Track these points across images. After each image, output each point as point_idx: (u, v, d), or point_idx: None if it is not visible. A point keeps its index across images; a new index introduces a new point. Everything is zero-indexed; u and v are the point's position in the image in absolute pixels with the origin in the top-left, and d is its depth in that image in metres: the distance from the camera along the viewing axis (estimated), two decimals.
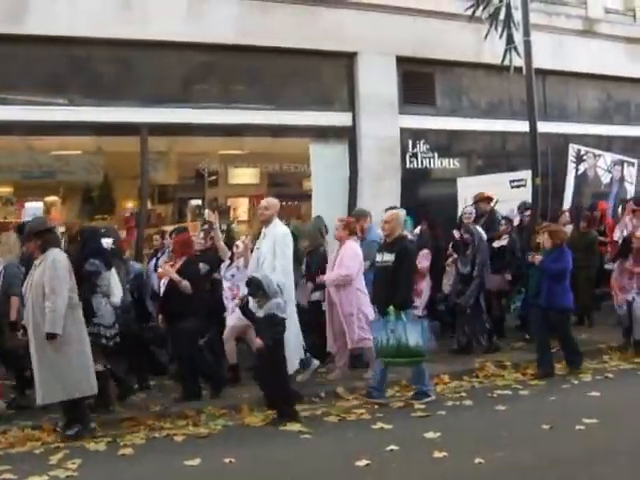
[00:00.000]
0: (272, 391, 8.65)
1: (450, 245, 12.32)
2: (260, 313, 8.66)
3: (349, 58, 13.89)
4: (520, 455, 6.90)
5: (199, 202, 15.74)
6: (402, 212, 10.70)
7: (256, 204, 15.97)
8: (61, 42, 11.71)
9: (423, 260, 11.88)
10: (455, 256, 12.10)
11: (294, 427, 8.22)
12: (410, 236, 11.18)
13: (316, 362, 10.29)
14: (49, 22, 11.37)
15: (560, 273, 10.60)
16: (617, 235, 13.48)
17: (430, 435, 7.59)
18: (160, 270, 10.19)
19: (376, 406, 9.06)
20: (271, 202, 10.34)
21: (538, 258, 10.81)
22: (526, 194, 13.20)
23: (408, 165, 14.42)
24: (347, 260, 10.13)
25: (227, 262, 10.55)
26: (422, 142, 14.62)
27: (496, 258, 12.20)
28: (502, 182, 13.95)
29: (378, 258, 9.68)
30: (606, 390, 9.54)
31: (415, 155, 14.54)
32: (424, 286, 12.07)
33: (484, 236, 12.05)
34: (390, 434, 7.84)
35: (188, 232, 10.99)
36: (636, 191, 15.97)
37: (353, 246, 10.31)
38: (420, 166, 14.61)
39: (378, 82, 13.85)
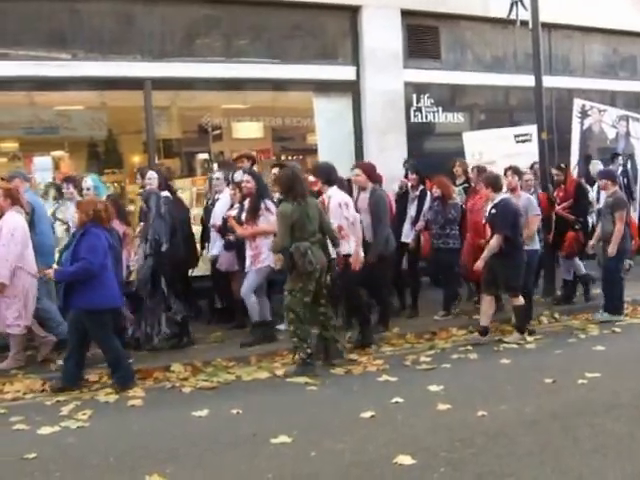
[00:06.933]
0: None
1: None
2: None
3: (353, 11, 13.80)
4: (523, 408, 6.96)
5: (206, 156, 15.73)
6: None
7: (263, 158, 16.00)
8: None
9: None
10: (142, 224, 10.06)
11: (301, 379, 8.32)
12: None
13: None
14: None
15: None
16: None
17: (434, 388, 7.66)
18: None
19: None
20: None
21: None
22: (532, 149, 13.14)
23: (412, 119, 14.41)
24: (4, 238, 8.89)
25: None
26: (426, 96, 14.59)
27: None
28: (507, 136, 13.90)
29: None
30: (612, 344, 9.59)
31: (419, 109, 14.53)
32: None
33: (163, 206, 9.85)
34: (395, 387, 7.92)
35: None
36: None
37: (13, 219, 8.99)
38: (424, 120, 14.60)
39: (382, 35, 13.77)
